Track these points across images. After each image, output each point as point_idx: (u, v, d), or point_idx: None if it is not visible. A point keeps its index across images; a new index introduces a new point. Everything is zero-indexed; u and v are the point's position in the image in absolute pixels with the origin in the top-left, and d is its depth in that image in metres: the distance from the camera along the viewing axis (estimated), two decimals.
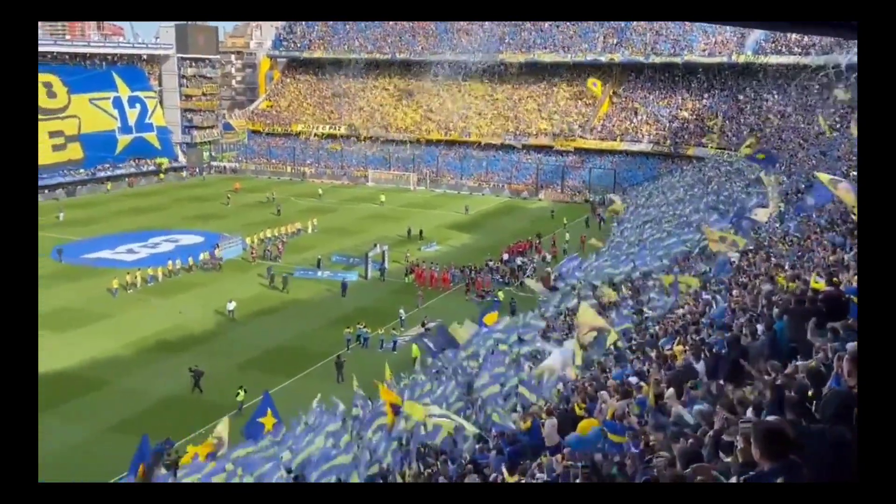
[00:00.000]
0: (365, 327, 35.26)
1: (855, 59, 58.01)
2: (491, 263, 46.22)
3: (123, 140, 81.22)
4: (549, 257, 48.53)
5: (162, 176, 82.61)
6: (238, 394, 28.08)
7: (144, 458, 19.39)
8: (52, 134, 73.77)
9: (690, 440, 7.17)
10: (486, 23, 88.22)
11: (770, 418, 5.73)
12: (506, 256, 47.77)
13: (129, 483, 20.38)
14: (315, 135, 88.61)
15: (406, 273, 45.80)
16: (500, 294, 40.73)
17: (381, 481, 16.55)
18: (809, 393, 6.44)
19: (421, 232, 55.42)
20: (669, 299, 23.34)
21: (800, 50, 68.65)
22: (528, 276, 42.25)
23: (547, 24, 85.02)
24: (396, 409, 18.68)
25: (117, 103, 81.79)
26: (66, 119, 75.98)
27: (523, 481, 10.04)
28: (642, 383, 12.34)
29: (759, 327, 11.66)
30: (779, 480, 3.87)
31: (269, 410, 21.67)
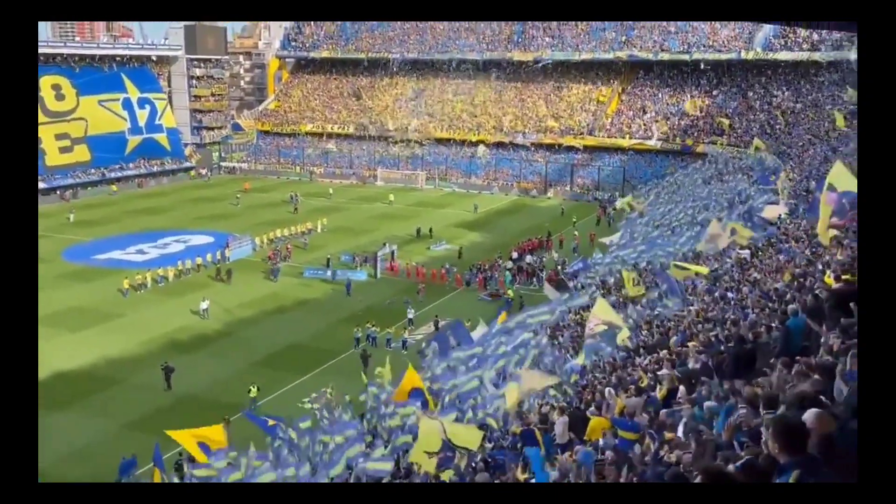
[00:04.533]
0: (374, 326, 35.33)
1: None
2: (501, 262, 46.25)
3: (133, 141, 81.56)
4: (556, 256, 48.52)
5: (192, 174, 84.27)
6: (250, 390, 28.23)
7: (158, 464, 19.58)
8: (59, 136, 74.30)
9: (704, 437, 7.16)
10: (494, 22, 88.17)
11: (789, 413, 5.72)
12: (515, 255, 47.76)
13: (130, 483, 20.53)
14: (325, 134, 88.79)
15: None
16: (511, 292, 40.73)
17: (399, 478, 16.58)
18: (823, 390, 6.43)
19: (431, 230, 55.43)
20: (677, 298, 23.26)
21: (809, 46, 68.32)
22: (544, 277, 42.28)
23: (555, 22, 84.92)
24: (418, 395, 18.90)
25: (127, 104, 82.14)
26: (73, 122, 76.30)
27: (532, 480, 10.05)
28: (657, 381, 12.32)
29: (772, 324, 11.62)
30: (794, 475, 3.88)
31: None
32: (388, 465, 17.04)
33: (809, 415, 4.19)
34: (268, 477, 17.61)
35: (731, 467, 4.88)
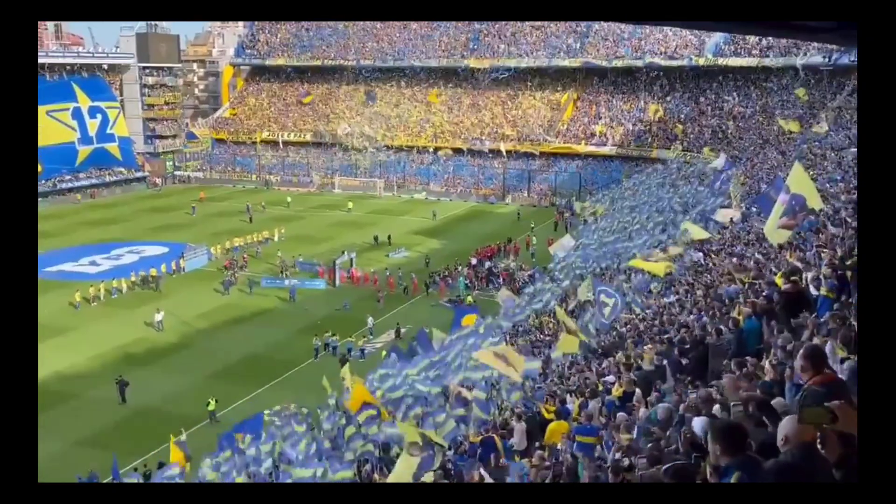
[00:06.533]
0: (333, 335, 35.09)
1: (812, 60, 59.26)
2: (460, 268, 46.37)
3: (84, 151, 79.92)
4: (512, 261, 48.80)
5: (158, 181, 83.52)
6: (209, 403, 27.85)
7: (115, 478, 19.18)
8: None
9: (658, 440, 7.24)
10: (451, 29, 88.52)
11: (740, 417, 5.81)
12: (475, 261, 47.90)
13: (129, 483, 20.08)
14: (282, 142, 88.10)
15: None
16: (469, 298, 40.80)
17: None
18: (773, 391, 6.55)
19: (389, 238, 55.31)
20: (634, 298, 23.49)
21: (758, 52, 69.81)
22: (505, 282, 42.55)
23: (510, 30, 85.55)
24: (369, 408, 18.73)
25: (77, 114, 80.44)
26: None
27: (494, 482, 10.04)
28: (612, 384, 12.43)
29: (724, 327, 11.81)
30: (735, 476, 3.94)
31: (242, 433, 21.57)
32: (349, 474, 16.97)
33: (785, 423, 4.22)
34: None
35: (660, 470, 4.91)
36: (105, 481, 20.98)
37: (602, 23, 77.92)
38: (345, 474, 17.16)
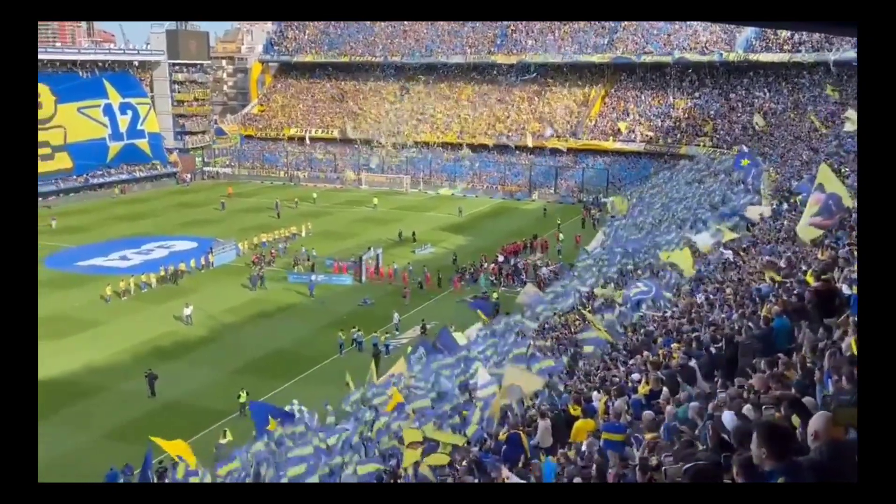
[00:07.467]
0: (359, 331, 35.23)
1: (845, 55, 58.32)
2: (486, 264, 46.35)
3: (115, 147, 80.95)
4: (538, 258, 48.70)
5: (187, 177, 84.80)
6: (240, 395, 28.11)
7: (147, 469, 19.42)
8: (39, 144, 73.67)
9: (687, 439, 7.16)
10: (478, 25, 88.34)
11: (771, 417, 5.72)
12: (501, 257, 47.83)
13: (129, 483, 20.36)
14: (308, 138, 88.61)
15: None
16: (495, 294, 40.75)
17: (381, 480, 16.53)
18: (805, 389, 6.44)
19: (413, 234, 55.36)
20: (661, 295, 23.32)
21: (790, 47, 68.86)
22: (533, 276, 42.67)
23: (538, 25, 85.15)
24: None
25: (108, 110, 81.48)
26: (51, 130, 75.59)
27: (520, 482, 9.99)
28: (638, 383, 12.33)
29: (755, 325, 11.66)
30: (780, 480, 3.87)
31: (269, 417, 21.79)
32: (376, 467, 17.05)
33: (816, 419, 4.16)
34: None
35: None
36: (136, 472, 21.28)
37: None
38: (371, 467, 17.25)
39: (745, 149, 45.46)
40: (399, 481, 15.45)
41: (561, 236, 53.93)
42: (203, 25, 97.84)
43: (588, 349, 20.55)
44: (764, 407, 6.40)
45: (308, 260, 48.75)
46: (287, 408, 24.22)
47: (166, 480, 19.86)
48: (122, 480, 21.74)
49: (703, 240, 28.03)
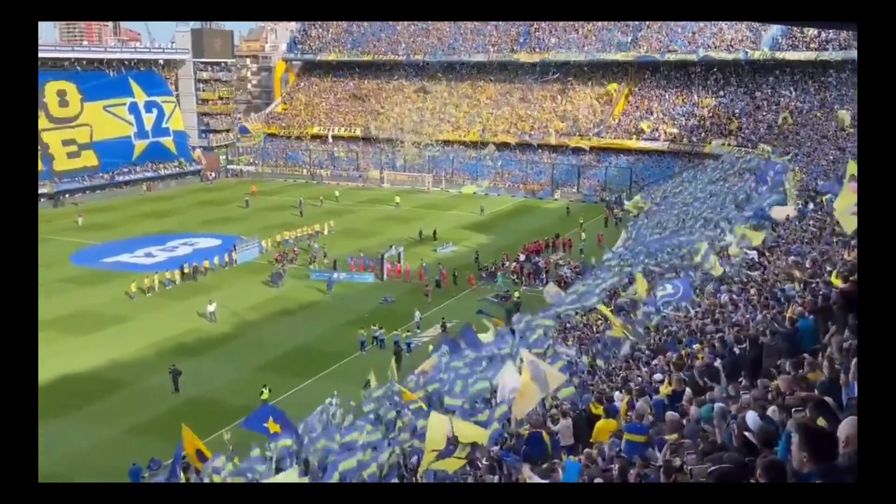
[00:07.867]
0: (380, 329, 35.32)
1: None
2: (507, 263, 46.27)
3: (140, 145, 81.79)
4: (560, 257, 48.55)
5: (211, 175, 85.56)
6: (262, 392, 28.26)
7: (176, 464, 19.56)
8: (65, 142, 74.82)
9: (711, 440, 7.10)
10: (501, 23, 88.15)
11: (803, 419, 5.64)
12: (522, 256, 47.72)
13: (130, 483, 20.55)
14: (331, 137, 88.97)
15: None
16: (517, 294, 40.66)
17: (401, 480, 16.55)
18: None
19: (434, 232, 55.38)
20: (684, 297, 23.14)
21: (817, 45, 68.05)
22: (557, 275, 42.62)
23: (561, 23, 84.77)
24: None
25: (133, 109, 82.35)
26: (77, 128, 76.57)
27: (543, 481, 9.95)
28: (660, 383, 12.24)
29: (780, 325, 11.54)
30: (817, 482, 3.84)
31: (271, 418, 21.78)
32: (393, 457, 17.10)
33: (847, 423, 4.11)
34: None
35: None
36: (166, 464, 21.49)
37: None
38: (388, 457, 17.32)
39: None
40: (419, 480, 15.45)
41: (584, 235, 53.71)
42: (227, 24, 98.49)
43: (624, 351, 20.42)
44: (794, 410, 6.33)
45: (325, 257, 48.97)
46: (326, 401, 24.18)
47: (191, 474, 19.99)
48: (145, 475, 21.96)
49: (731, 248, 27.78)
